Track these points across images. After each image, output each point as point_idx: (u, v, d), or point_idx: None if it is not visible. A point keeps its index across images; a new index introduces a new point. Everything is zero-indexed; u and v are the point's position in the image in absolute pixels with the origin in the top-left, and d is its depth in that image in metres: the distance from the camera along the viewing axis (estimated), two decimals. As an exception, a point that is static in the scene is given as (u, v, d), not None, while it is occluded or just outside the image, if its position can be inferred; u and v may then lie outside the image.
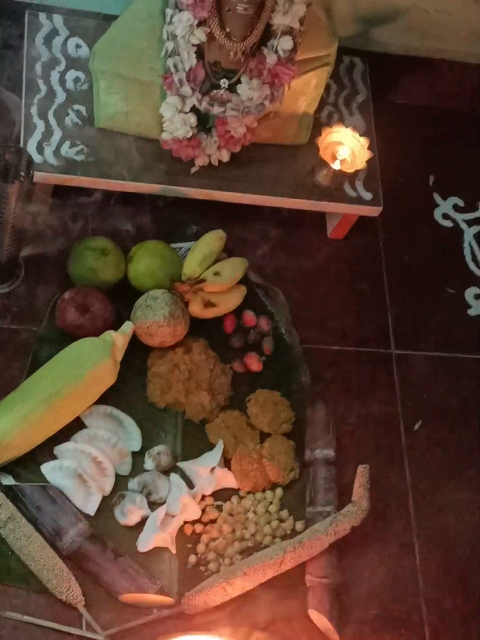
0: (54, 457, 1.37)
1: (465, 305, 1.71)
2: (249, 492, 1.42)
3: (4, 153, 1.29)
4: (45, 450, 1.36)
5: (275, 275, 1.60)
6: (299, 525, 1.41)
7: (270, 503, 1.42)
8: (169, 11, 1.35)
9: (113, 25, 1.43)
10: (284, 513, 1.42)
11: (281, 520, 1.42)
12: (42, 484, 1.33)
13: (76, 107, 1.51)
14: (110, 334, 1.40)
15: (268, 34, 1.37)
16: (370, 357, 1.61)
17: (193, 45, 1.36)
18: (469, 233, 1.78)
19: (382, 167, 1.63)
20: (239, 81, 1.41)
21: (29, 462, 1.35)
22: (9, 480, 1.33)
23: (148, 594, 1.29)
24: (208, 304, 1.50)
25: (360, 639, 1.38)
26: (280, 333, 1.55)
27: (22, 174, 1.30)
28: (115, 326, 1.42)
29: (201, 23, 1.34)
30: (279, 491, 1.43)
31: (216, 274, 1.50)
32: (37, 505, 1.31)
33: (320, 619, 1.34)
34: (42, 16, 1.56)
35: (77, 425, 1.39)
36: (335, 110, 1.64)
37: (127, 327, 1.42)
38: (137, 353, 1.45)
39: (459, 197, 1.81)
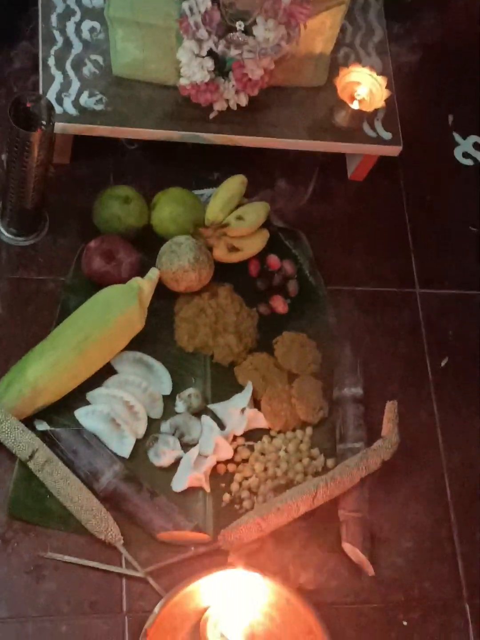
0: (87, 403, 1.39)
1: (487, 242, 1.72)
2: (279, 432, 1.44)
3: (25, 102, 1.30)
4: (78, 396, 1.39)
5: (298, 219, 1.60)
6: (330, 462, 1.43)
7: (301, 441, 1.44)
8: (182, -47, 1.35)
9: (127, -28, 1.43)
10: (315, 451, 1.44)
11: (312, 458, 1.44)
12: (76, 428, 1.36)
13: (93, 56, 1.51)
14: (136, 281, 1.42)
15: (282, -28, 1.37)
16: (395, 296, 1.62)
17: (208, -13, 1.36)
18: (489, 171, 1.78)
19: (400, 107, 1.62)
20: (254, 22, 1.41)
21: (62, 408, 1.37)
22: (43, 426, 1.36)
23: (185, 532, 1.32)
24: (232, 249, 1.51)
25: (393, 571, 1.40)
26: (304, 275, 1.56)
27: (44, 122, 1.31)
28: (142, 273, 1.44)
29: (215, -36, 1.34)
30: (308, 430, 1.45)
31: (239, 218, 1.51)
32: (72, 449, 1.33)
33: (353, 552, 1.37)
34: (56, -34, 1.56)
35: (108, 371, 1.41)
36: (352, 50, 1.64)
37: (153, 273, 1.44)
38: (164, 299, 1.47)
39: (479, 135, 1.80)
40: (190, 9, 1.38)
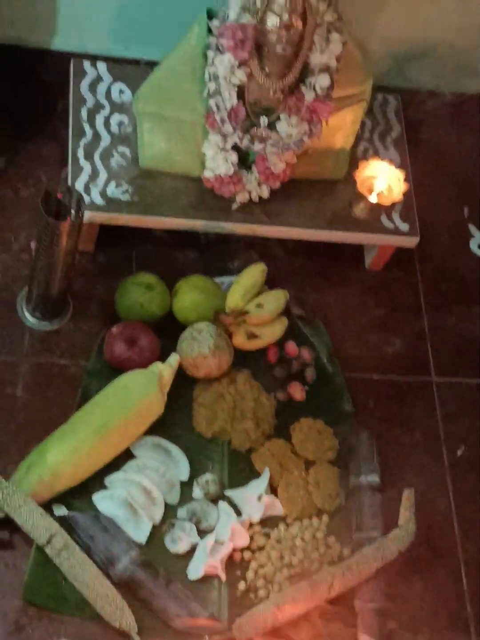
0: (105, 487, 1.40)
1: (504, 332, 1.74)
2: (296, 519, 1.44)
3: (55, 193, 1.34)
4: (96, 480, 1.39)
5: (316, 307, 1.64)
6: (346, 551, 1.43)
7: (317, 530, 1.44)
8: (210, 53, 1.40)
9: (156, 69, 1.48)
10: (331, 539, 1.44)
11: (328, 547, 1.43)
12: (94, 513, 1.36)
13: (120, 149, 1.56)
14: (157, 366, 1.44)
15: (306, 72, 1.42)
16: (411, 384, 1.63)
17: (234, 85, 1.41)
18: (504, 262, 1.82)
19: (417, 200, 1.66)
20: (278, 118, 1.46)
21: (80, 493, 1.38)
22: (62, 511, 1.36)
23: (200, 620, 1.31)
24: (251, 336, 1.53)
25: (410, 664, 1.39)
26: (322, 363, 1.58)
27: (73, 212, 1.35)
28: (162, 359, 1.46)
29: (241, 64, 1.39)
30: (325, 518, 1.45)
31: (259, 306, 1.53)
32: (90, 534, 1.34)
33: (370, 644, 1.36)
34: (86, 64, 1.62)
35: (126, 455, 1.42)
36: (371, 145, 1.68)
37: (174, 359, 1.46)
38: (183, 384, 1.49)
39: (493, 228, 1.85)
40: (217, 105, 1.43)
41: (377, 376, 1.62)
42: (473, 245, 1.81)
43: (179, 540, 1.37)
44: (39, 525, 1.29)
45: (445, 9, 1.65)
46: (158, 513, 1.40)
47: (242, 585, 1.38)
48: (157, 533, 1.38)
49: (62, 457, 1.35)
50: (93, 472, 1.39)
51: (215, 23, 1.39)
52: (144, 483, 1.40)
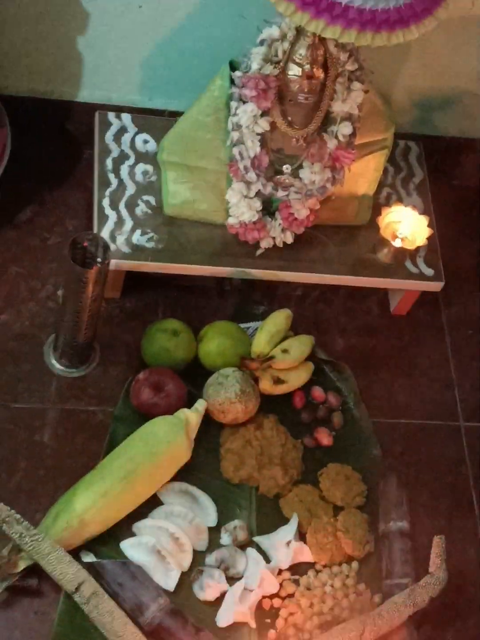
0: (133, 534, 1.39)
1: None
2: (325, 566, 1.43)
3: (82, 241, 1.36)
4: (124, 527, 1.39)
5: (342, 352, 1.64)
6: (377, 598, 1.41)
7: (347, 576, 1.43)
8: (233, 103, 1.43)
9: (180, 119, 1.51)
10: (362, 586, 1.43)
11: (359, 594, 1.42)
12: (122, 560, 1.36)
13: (145, 197, 1.58)
14: (183, 412, 1.44)
15: (328, 120, 1.44)
16: (439, 429, 1.62)
17: (257, 134, 1.43)
18: None
19: (441, 244, 1.67)
20: (301, 166, 1.48)
21: (108, 539, 1.38)
22: (90, 558, 1.36)
23: (230, 668, 1.30)
24: (277, 381, 1.54)
25: None
26: (349, 407, 1.58)
27: (99, 259, 1.37)
28: (189, 404, 1.47)
29: (264, 113, 1.41)
30: (355, 564, 1.44)
31: (284, 351, 1.54)
32: (118, 582, 1.33)
33: None
34: (111, 115, 1.65)
35: (154, 502, 1.42)
36: (394, 191, 1.70)
37: (200, 405, 1.47)
38: (210, 430, 1.49)
39: (517, 272, 1.85)
40: (240, 154, 1.45)
41: (404, 421, 1.62)
42: (498, 289, 1.82)
43: (207, 588, 1.37)
44: (67, 573, 1.29)
45: (466, 57, 1.67)
46: (186, 560, 1.39)
47: (272, 634, 1.36)
48: (185, 580, 1.38)
49: (89, 503, 1.35)
50: (120, 518, 1.39)
51: (237, 74, 1.42)
52: (171, 530, 1.40)
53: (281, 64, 1.37)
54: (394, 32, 1.22)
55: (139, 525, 1.40)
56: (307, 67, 1.36)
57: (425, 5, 1.23)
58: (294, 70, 1.37)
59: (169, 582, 1.37)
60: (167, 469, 1.42)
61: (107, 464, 1.40)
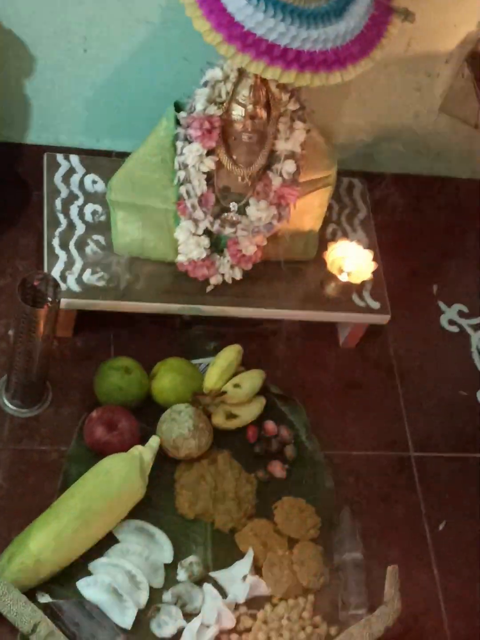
0: (89, 573, 1.39)
1: (478, 405, 1.76)
2: (281, 599, 1.43)
3: (32, 280, 1.37)
4: (80, 566, 1.39)
5: (293, 385, 1.66)
6: (333, 630, 1.42)
7: (304, 609, 1.43)
8: (179, 143, 1.45)
9: (127, 160, 1.53)
10: (318, 618, 1.43)
11: (315, 626, 1.42)
12: (78, 599, 1.35)
13: (95, 237, 1.60)
14: (137, 449, 1.45)
15: (272, 158, 1.47)
16: (390, 460, 1.65)
17: (203, 173, 1.46)
18: (475, 337, 1.85)
19: (387, 278, 1.71)
20: (247, 203, 1.51)
21: (64, 579, 1.37)
22: (46, 598, 1.35)
23: None
24: (230, 416, 1.55)
25: None
26: (301, 440, 1.60)
27: (50, 299, 1.38)
28: (142, 441, 1.47)
29: (210, 152, 1.44)
30: (311, 597, 1.45)
31: (236, 386, 1.56)
32: (75, 622, 1.32)
33: None
34: (59, 156, 1.67)
35: (109, 540, 1.42)
36: (339, 227, 1.73)
37: (154, 441, 1.47)
38: (164, 466, 1.50)
39: (462, 303, 1.88)
40: (187, 193, 1.48)
41: (356, 452, 1.63)
42: (443, 321, 1.85)
43: (164, 625, 1.36)
44: (23, 614, 1.28)
45: (404, 96, 1.73)
46: (143, 597, 1.39)
47: (230, 669, 1.36)
48: (142, 618, 1.37)
49: (44, 543, 1.34)
50: (76, 557, 1.38)
51: (182, 115, 1.45)
52: (127, 567, 1.39)
53: (225, 104, 1.41)
54: (332, 72, 1.26)
55: (95, 564, 1.39)
56: (250, 107, 1.40)
57: (361, 47, 1.27)
58: (237, 111, 1.40)
59: (126, 620, 1.36)
60: (122, 506, 1.42)
61: (62, 503, 1.39)
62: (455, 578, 1.54)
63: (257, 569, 1.44)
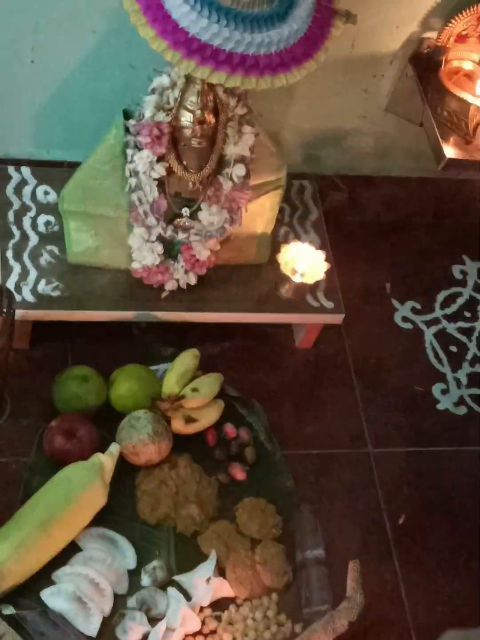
0: (52, 583, 1.39)
1: (433, 400, 1.79)
2: (246, 600, 1.45)
3: (-15, 293, 1.37)
4: (43, 576, 1.39)
5: (251, 388, 1.67)
6: (298, 628, 1.43)
7: (268, 608, 1.45)
8: (129, 151, 1.46)
9: (78, 169, 1.53)
10: (282, 617, 1.44)
11: (280, 624, 1.44)
12: (42, 609, 1.35)
13: (49, 247, 1.60)
14: (97, 457, 1.45)
15: (222, 163, 1.49)
16: (349, 457, 1.66)
17: (154, 179, 1.47)
18: (428, 333, 1.88)
19: (340, 278, 1.73)
20: (199, 208, 1.52)
21: (28, 590, 1.37)
22: (9, 610, 1.34)
23: None
24: (189, 420, 1.56)
25: None
26: (260, 442, 1.61)
27: (4, 310, 1.38)
28: (102, 449, 1.47)
29: (160, 159, 1.45)
30: (274, 596, 1.46)
31: (194, 390, 1.57)
32: (39, 631, 1.32)
33: None
34: (10, 169, 1.67)
35: (72, 549, 1.42)
36: (291, 229, 1.76)
37: (114, 448, 1.48)
38: (125, 472, 1.50)
39: (415, 301, 1.92)
40: (139, 200, 1.49)
41: (315, 451, 1.65)
42: (397, 318, 1.88)
43: (130, 630, 1.37)
44: (-13, 626, 1.28)
45: (349, 98, 1.75)
46: (107, 604, 1.39)
47: (196, 671, 1.37)
48: (107, 624, 1.38)
49: (7, 555, 1.34)
50: (39, 567, 1.38)
51: (131, 122, 1.46)
52: (91, 575, 1.39)
53: (173, 111, 1.42)
54: (277, 75, 1.27)
55: (58, 573, 1.40)
56: (198, 113, 1.41)
57: (305, 49, 1.29)
58: (185, 117, 1.42)
59: (91, 628, 1.36)
60: (84, 514, 1.43)
61: (23, 514, 1.39)
62: (416, 570, 1.57)
63: (220, 571, 1.45)
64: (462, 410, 1.78)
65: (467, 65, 1.70)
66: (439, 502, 1.65)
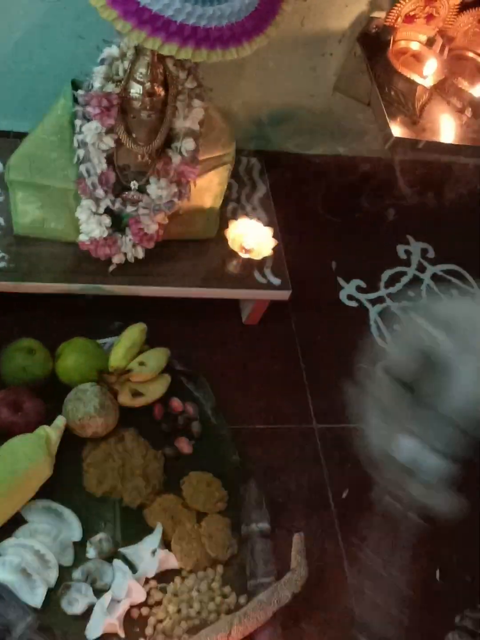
0: (-3, 555, 1.39)
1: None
2: (191, 571, 1.46)
3: None
4: (-13, 548, 1.38)
5: (198, 362, 1.68)
6: (242, 599, 1.45)
7: (213, 580, 1.46)
8: (78, 122, 1.45)
9: (25, 140, 1.52)
10: (227, 588, 1.46)
11: (225, 596, 1.45)
12: (-14, 581, 1.35)
13: (-6, 218, 1.59)
14: (43, 429, 1.45)
15: (172, 136, 1.49)
16: (294, 432, 1.68)
17: (103, 151, 1.46)
18: (373, 311, 1.90)
19: (287, 255, 1.74)
20: (148, 182, 1.52)
21: (-28, 562, 1.37)
22: (-47, 582, 1.34)
23: (101, 679, 1.31)
24: (136, 394, 1.56)
25: None
26: (207, 416, 1.62)
27: None
28: (48, 421, 1.47)
29: (109, 130, 1.44)
30: (219, 568, 1.47)
31: (141, 364, 1.57)
32: (-17, 603, 1.32)
33: None
34: (-45, 139, 1.65)
35: (17, 521, 1.41)
36: (239, 205, 1.76)
37: (60, 421, 1.47)
38: (71, 445, 1.50)
39: (360, 279, 1.94)
40: (87, 171, 1.48)
41: (261, 426, 1.66)
42: (342, 296, 1.90)
43: (75, 602, 1.37)
44: None
45: (298, 75, 1.76)
46: (53, 576, 1.39)
47: (141, 642, 1.38)
48: (53, 596, 1.37)
49: None
50: (-17, 540, 1.38)
51: (80, 93, 1.44)
52: (36, 547, 1.39)
53: (122, 82, 1.41)
54: (228, 49, 1.27)
55: (3, 545, 1.39)
56: (148, 85, 1.40)
57: (256, 24, 1.29)
58: (135, 88, 1.41)
59: (36, 599, 1.36)
60: (29, 486, 1.42)
61: (-33, 487, 1.39)
62: (358, 543, 1.59)
63: (166, 543, 1.46)
64: (405, 387, 1.81)
65: (415, 46, 1.71)
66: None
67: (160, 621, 1.40)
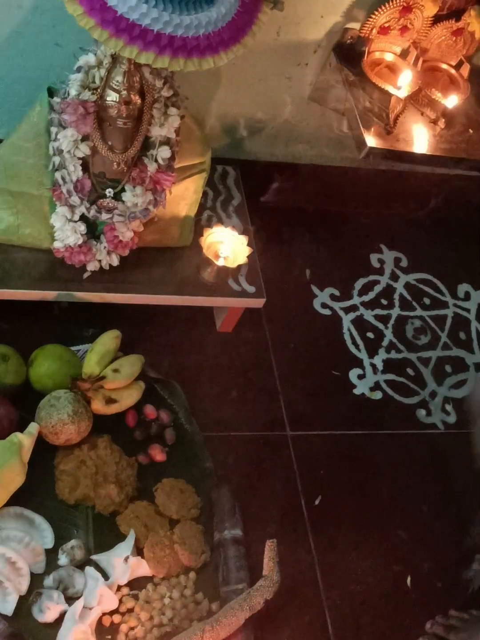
0: (-32, 562, 1.38)
1: (350, 385, 1.82)
2: (163, 578, 1.46)
3: None
4: (-41, 555, 1.38)
5: (171, 370, 1.68)
6: (215, 606, 1.45)
7: (185, 587, 1.46)
8: (53, 129, 1.45)
9: (0, 146, 1.51)
10: (199, 595, 1.46)
11: (197, 603, 1.45)
12: (-42, 588, 1.34)
13: (-31, 224, 1.58)
14: (16, 436, 1.44)
15: (147, 144, 1.49)
16: (268, 439, 1.69)
17: (78, 158, 1.46)
18: (346, 319, 1.92)
19: (262, 264, 1.75)
20: (123, 189, 1.52)
21: None
22: None
23: (72, 687, 1.30)
24: (109, 400, 1.56)
25: None
26: (180, 423, 1.62)
27: None
28: (21, 428, 1.46)
29: (85, 138, 1.45)
30: (192, 575, 1.48)
31: (115, 371, 1.57)
32: (-46, 610, 1.32)
33: None
34: None
35: (-12, 528, 1.41)
36: (214, 213, 1.77)
37: (33, 427, 1.47)
38: (44, 452, 1.49)
39: (334, 287, 1.95)
40: (63, 178, 1.48)
41: (234, 433, 1.67)
42: (316, 304, 1.91)
43: (46, 609, 1.37)
44: None
45: (274, 86, 1.77)
46: (24, 583, 1.39)
47: (113, 649, 1.38)
48: (24, 604, 1.37)
49: None
50: (-45, 547, 1.37)
51: (56, 100, 1.44)
52: (7, 554, 1.39)
53: (99, 90, 1.41)
54: (205, 58, 1.28)
55: (-26, 552, 1.39)
56: (124, 93, 1.40)
57: (232, 34, 1.30)
58: (111, 96, 1.41)
59: (7, 606, 1.36)
60: (1, 493, 1.41)
61: None
62: (330, 549, 1.60)
63: (138, 550, 1.46)
64: (377, 395, 1.82)
65: (389, 57, 1.73)
66: (354, 484, 1.69)
67: (133, 628, 1.40)
